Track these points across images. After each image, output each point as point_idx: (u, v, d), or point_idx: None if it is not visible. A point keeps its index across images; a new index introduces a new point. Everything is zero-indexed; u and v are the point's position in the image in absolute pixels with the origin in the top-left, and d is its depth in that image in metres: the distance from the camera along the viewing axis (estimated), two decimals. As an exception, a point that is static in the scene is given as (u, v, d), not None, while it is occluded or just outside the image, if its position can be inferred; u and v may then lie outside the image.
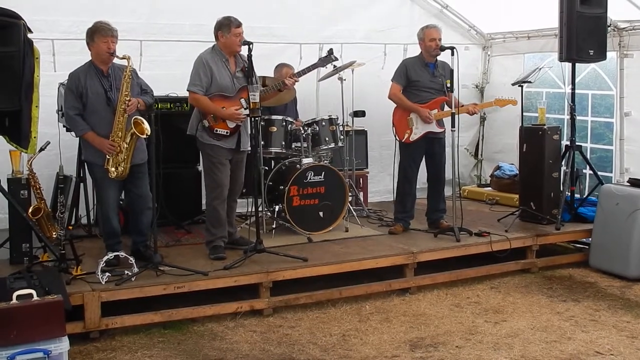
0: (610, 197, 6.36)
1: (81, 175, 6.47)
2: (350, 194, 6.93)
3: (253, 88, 5.56)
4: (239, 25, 5.78)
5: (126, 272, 5.18)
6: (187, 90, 5.81)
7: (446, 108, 6.57)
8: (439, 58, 6.58)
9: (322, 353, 4.75)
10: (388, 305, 5.68)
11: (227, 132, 5.78)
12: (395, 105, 6.67)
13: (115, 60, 5.48)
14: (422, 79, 6.57)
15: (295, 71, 6.43)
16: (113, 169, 5.40)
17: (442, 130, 6.55)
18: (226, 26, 5.77)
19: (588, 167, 7.16)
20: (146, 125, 5.34)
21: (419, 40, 6.63)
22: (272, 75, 6.99)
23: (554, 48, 7.25)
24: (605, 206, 6.41)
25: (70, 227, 5.47)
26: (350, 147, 7.43)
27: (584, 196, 7.17)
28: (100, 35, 5.38)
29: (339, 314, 5.49)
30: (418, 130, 6.57)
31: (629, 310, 5.48)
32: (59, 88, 6.33)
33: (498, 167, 8.35)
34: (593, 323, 5.25)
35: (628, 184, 6.47)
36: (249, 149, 5.89)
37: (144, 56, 6.97)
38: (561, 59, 6.79)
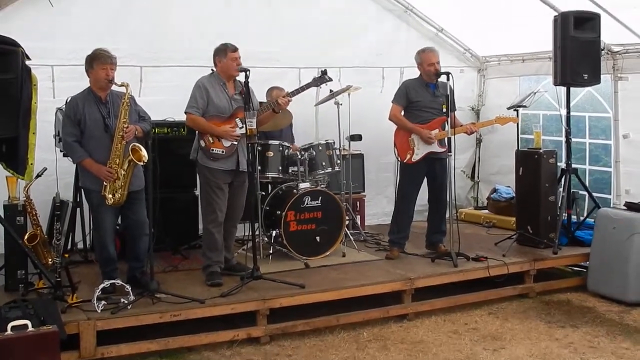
0: (607, 221, 6.35)
1: (78, 200, 6.45)
2: (347, 217, 6.92)
3: (250, 115, 5.57)
4: (235, 49, 5.85)
5: (122, 300, 5.14)
6: (185, 112, 5.85)
7: (447, 128, 6.57)
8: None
9: (319, 383, 4.73)
10: (386, 332, 5.65)
11: (222, 152, 5.80)
12: (396, 126, 6.69)
13: (114, 87, 5.49)
14: (423, 99, 6.59)
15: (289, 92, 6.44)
16: (110, 195, 5.39)
17: (443, 150, 6.51)
18: (222, 51, 5.86)
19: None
20: (144, 152, 5.34)
21: (417, 64, 6.66)
22: (265, 100, 7.01)
23: (548, 71, 7.29)
24: (602, 230, 6.40)
25: (67, 255, 5.43)
26: (347, 171, 7.44)
27: (581, 220, 7.17)
28: (99, 62, 5.40)
29: (337, 342, 5.46)
30: (420, 151, 6.58)
31: (628, 337, 5.46)
32: (56, 113, 6.33)
33: (495, 190, 8.36)
34: (592, 350, 5.22)
35: (625, 208, 6.48)
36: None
37: (144, 82, 7.01)
38: (556, 83, 6.84)
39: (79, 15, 6.77)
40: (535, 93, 7.25)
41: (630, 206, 6.38)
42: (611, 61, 7.15)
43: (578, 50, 6.58)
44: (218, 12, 7.42)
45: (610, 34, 6.87)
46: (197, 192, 6.67)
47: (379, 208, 8.47)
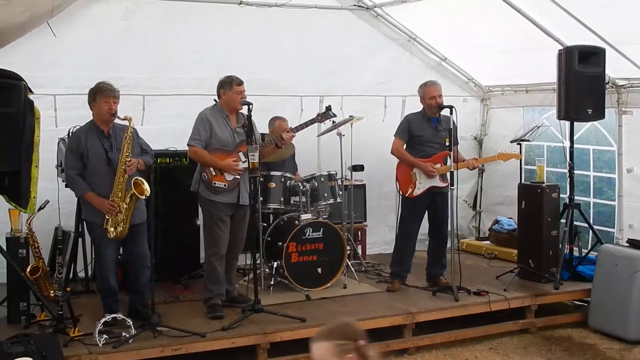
0: (610, 257, 6.34)
1: (80, 230, 6.45)
2: (348, 248, 6.92)
3: (252, 148, 5.58)
4: (241, 83, 5.86)
5: (124, 334, 5.13)
6: (187, 144, 5.86)
7: (449, 162, 6.58)
8: (441, 112, 6.59)
9: (319, 422, 4.69)
10: (387, 367, 5.64)
11: (225, 185, 5.80)
12: (398, 160, 6.70)
13: (117, 121, 5.51)
14: (426, 134, 6.60)
15: (293, 126, 6.44)
16: (112, 228, 5.39)
17: (445, 184, 6.54)
18: (228, 84, 5.86)
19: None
20: (146, 186, 5.36)
21: (419, 97, 6.68)
22: (267, 128, 7.03)
23: (552, 102, 7.27)
24: (604, 266, 6.39)
25: (68, 289, 5.43)
26: (348, 201, 7.43)
27: (583, 254, 7.14)
28: (102, 95, 5.42)
29: (337, 376, 5.43)
30: (421, 185, 6.59)
31: (628, 377, 5.45)
32: (59, 143, 6.35)
33: (497, 221, 8.35)
34: (592, 390, 5.22)
35: (627, 245, 6.46)
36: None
37: (146, 110, 7.03)
38: (559, 118, 6.82)
39: (82, 44, 6.81)
40: (539, 127, 7.25)
41: (633, 243, 6.37)
42: (616, 95, 7.14)
43: (582, 85, 6.56)
44: (218, 40, 7.44)
45: (615, 68, 6.89)
46: (199, 222, 6.66)
47: (380, 237, 8.45)
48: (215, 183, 5.79)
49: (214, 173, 5.80)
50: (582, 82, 6.59)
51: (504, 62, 8.09)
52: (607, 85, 6.94)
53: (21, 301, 5.52)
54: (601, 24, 6.45)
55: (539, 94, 8.16)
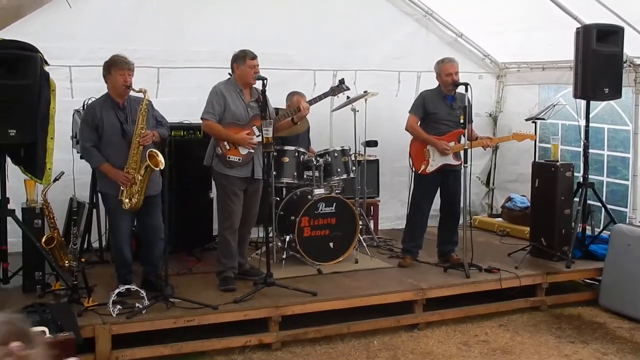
0: (622, 237, 6.33)
1: (94, 201, 6.51)
2: (360, 223, 6.94)
3: (266, 123, 5.58)
4: (254, 57, 5.83)
5: (137, 304, 5.19)
6: (201, 118, 5.86)
7: (463, 140, 6.56)
8: (457, 90, 6.56)
9: (329, 393, 4.78)
10: (396, 342, 5.68)
11: (239, 159, 5.81)
12: (412, 136, 6.69)
13: (132, 93, 5.52)
14: (440, 112, 6.58)
15: (307, 99, 6.45)
16: (127, 200, 5.44)
17: (458, 162, 6.52)
18: (241, 58, 5.84)
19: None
20: (160, 157, 5.38)
21: (435, 74, 6.64)
22: (285, 105, 7.03)
23: (569, 80, 7.21)
24: (616, 246, 6.39)
25: (83, 260, 5.49)
26: (361, 176, 7.44)
27: (596, 233, 7.13)
28: (116, 68, 5.43)
29: (347, 350, 5.50)
30: (435, 162, 6.58)
31: (638, 355, 5.44)
32: (74, 115, 6.38)
33: (509, 199, 8.34)
34: (601, 368, 5.25)
35: (640, 225, 6.47)
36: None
37: (161, 83, 7.03)
38: (576, 96, 6.78)
39: (97, 16, 6.81)
40: (554, 105, 7.19)
41: (646, 223, 6.37)
42: (633, 74, 7.06)
43: (600, 64, 6.51)
44: (234, 14, 7.40)
45: (633, 47, 6.81)
46: (212, 195, 6.70)
47: (392, 212, 8.47)
48: (229, 157, 5.81)
49: (228, 147, 5.82)
50: (599, 61, 6.54)
51: (521, 39, 8.04)
52: (625, 64, 6.85)
53: (36, 271, 5.58)
54: (620, 3, 6.39)
55: (555, 72, 8.09)
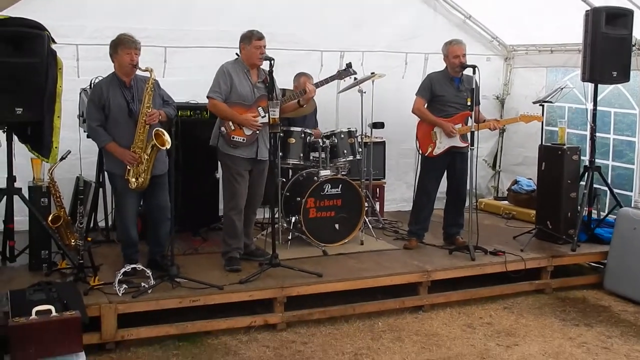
0: (628, 221, 6.33)
1: (100, 180, 6.52)
2: (366, 205, 6.94)
3: (273, 104, 5.56)
4: (261, 37, 5.79)
5: (143, 284, 5.22)
6: (207, 96, 5.84)
7: (470, 122, 6.54)
8: (464, 72, 6.53)
9: (334, 374, 4.80)
10: (401, 323, 5.70)
11: (243, 140, 5.80)
12: (419, 119, 6.66)
13: (139, 72, 5.51)
14: (447, 94, 6.55)
15: (314, 82, 6.43)
16: (133, 179, 5.44)
17: (465, 145, 6.50)
18: (248, 38, 5.81)
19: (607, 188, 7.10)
20: (167, 137, 5.36)
21: (443, 56, 6.60)
22: (292, 85, 7.01)
23: (577, 63, 7.18)
24: (622, 230, 6.38)
25: (89, 239, 5.51)
26: (367, 158, 7.44)
27: (602, 217, 7.12)
28: (123, 47, 5.41)
29: (352, 331, 5.52)
30: (442, 145, 6.56)
31: (642, 339, 5.48)
32: (80, 94, 6.37)
33: (516, 182, 8.33)
34: (605, 351, 5.24)
35: (646, 208, 6.45)
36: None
37: (168, 62, 7.01)
38: (584, 79, 6.75)
39: (104, -6, 6.76)
40: (562, 89, 7.14)
41: (652, 207, 6.36)
42: (641, 57, 7.03)
43: (608, 47, 6.47)
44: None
45: (642, 29, 6.77)
46: (218, 175, 6.70)
47: (398, 194, 8.48)
48: (233, 137, 5.80)
49: (232, 127, 5.81)
50: (608, 44, 6.50)
51: (529, 22, 7.97)
52: (634, 48, 6.80)
53: (42, 249, 5.60)
54: (630, -15, 6.34)
55: (563, 55, 8.05)
